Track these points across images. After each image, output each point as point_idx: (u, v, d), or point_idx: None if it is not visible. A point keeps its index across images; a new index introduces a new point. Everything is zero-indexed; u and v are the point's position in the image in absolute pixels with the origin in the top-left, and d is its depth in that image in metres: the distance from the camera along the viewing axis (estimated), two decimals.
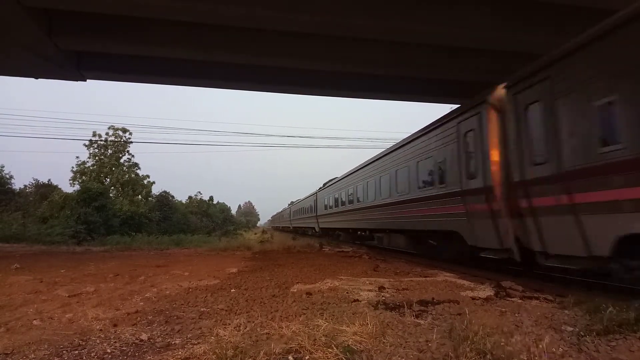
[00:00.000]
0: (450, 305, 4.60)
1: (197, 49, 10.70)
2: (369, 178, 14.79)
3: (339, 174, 22.26)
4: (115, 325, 3.81)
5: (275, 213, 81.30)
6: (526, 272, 7.39)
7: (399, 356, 2.88)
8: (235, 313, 4.28)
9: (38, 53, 10.46)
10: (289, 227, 45.89)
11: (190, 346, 3.16)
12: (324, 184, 25.88)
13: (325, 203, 24.03)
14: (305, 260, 10.03)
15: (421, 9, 8.90)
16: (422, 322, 3.82)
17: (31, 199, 25.43)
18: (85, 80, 13.00)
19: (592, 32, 5.21)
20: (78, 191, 23.56)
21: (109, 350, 3.12)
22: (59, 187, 26.74)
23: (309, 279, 6.69)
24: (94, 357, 3.00)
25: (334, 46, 10.89)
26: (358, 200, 16.26)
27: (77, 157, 29.47)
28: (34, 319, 4.09)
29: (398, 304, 4.54)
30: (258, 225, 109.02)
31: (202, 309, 4.51)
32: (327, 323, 3.50)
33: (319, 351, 2.87)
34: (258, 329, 3.51)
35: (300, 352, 2.91)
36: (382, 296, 5.14)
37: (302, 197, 37.36)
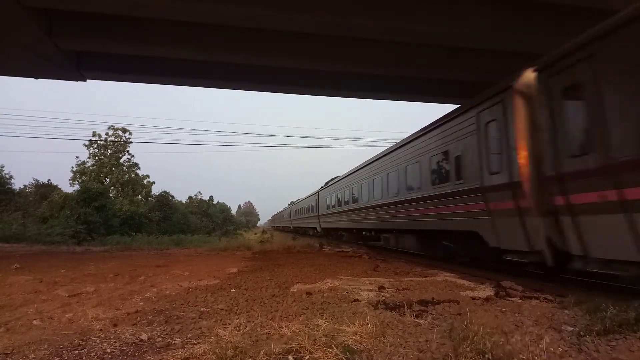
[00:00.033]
0: (450, 305, 4.60)
1: (197, 49, 10.71)
2: (375, 175, 14.12)
3: (340, 173, 22.07)
4: (115, 325, 3.81)
5: (275, 213, 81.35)
6: (526, 272, 7.28)
7: (399, 356, 2.89)
8: (235, 313, 4.28)
9: (38, 53, 10.46)
10: (290, 227, 45.63)
11: (190, 346, 3.16)
12: (326, 183, 25.23)
13: (328, 202, 23.26)
14: (305, 260, 10.03)
15: (421, 9, 8.90)
16: (422, 322, 3.83)
17: (31, 199, 25.43)
18: (85, 80, 13.02)
19: None
20: (78, 191, 23.57)
21: (109, 350, 3.12)
22: (58, 187, 26.78)
23: (309, 279, 6.69)
24: (94, 357, 3.00)
25: (334, 46, 10.90)
26: (363, 199, 15.62)
27: (77, 157, 29.51)
28: (34, 319, 4.09)
29: (398, 303, 4.54)
30: (258, 225, 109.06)
31: (202, 309, 4.51)
32: (327, 323, 3.50)
33: (319, 351, 2.87)
34: (258, 329, 3.51)
35: (300, 352, 2.91)
36: (382, 296, 5.14)
37: (302, 196, 37.01)
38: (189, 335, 3.48)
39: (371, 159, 15.00)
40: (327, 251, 14.25)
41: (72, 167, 28.99)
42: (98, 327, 3.77)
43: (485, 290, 5.70)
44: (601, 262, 5.02)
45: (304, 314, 4.11)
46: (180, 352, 3.00)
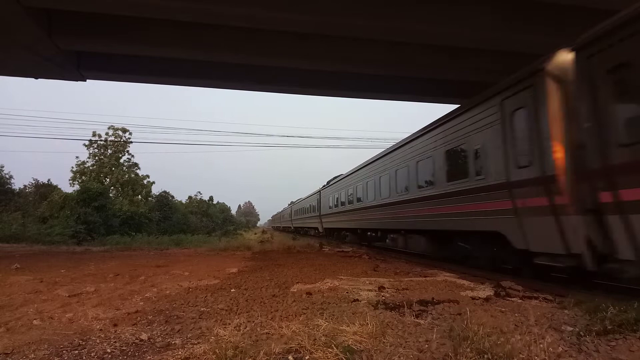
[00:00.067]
0: (450, 305, 4.60)
1: (197, 49, 10.71)
2: (382, 173, 13.39)
3: (340, 173, 21.74)
4: (115, 325, 3.82)
5: (275, 213, 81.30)
6: (526, 272, 7.08)
7: (398, 356, 2.89)
8: (235, 313, 4.28)
9: (38, 53, 10.46)
10: (290, 227, 45.24)
11: (190, 346, 3.16)
12: (328, 182, 24.40)
13: (330, 202, 22.38)
14: (305, 260, 10.03)
15: (421, 9, 8.90)
16: (422, 322, 3.83)
17: (31, 199, 25.42)
18: (85, 80, 13.02)
19: None
20: (78, 191, 23.59)
21: (109, 350, 3.12)
22: (58, 187, 26.79)
23: (309, 279, 6.69)
24: (94, 357, 3.00)
25: (334, 46, 10.90)
26: (368, 198, 14.89)
27: (77, 157, 29.56)
28: (34, 319, 4.09)
29: (398, 303, 4.54)
30: (258, 225, 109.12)
31: (202, 309, 4.51)
32: (327, 323, 3.50)
33: (319, 351, 2.87)
34: (258, 329, 3.51)
35: (300, 352, 2.91)
36: (382, 296, 5.14)
37: (303, 196, 36.45)
38: (189, 335, 3.48)
39: (378, 155, 14.21)
40: (327, 251, 14.25)
41: (72, 167, 29.05)
42: (98, 327, 3.77)
43: (485, 290, 5.71)
44: None
45: (304, 314, 4.11)
46: (180, 352, 3.00)
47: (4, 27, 9.18)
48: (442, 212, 9.04)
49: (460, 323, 3.42)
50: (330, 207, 22.61)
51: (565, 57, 5.59)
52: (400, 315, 4.00)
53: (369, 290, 5.59)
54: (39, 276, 7.10)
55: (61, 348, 3.17)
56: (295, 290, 5.60)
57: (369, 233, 16.56)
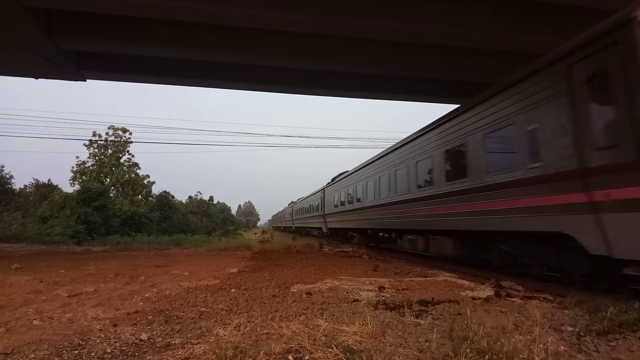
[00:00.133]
0: (450, 305, 4.60)
1: (197, 49, 10.72)
2: (399, 166, 11.73)
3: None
4: (115, 325, 3.81)
5: (275, 213, 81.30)
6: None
7: (399, 356, 2.88)
8: (235, 313, 4.28)
9: (38, 53, 10.46)
10: (291, 228, 44.25)
11: (190, 346, 3.16)
12: (333, 179, 22.63)
13: (336, 200, 20.66)
14: (305, 260, 10.03)
15: (421, 9, 8.91)
16: (422, 322, 3.82)
17: (31, 198, 25.43)
18: (85, 80, 13.02)
19: None
20: (78, 191, 23.59)
21: (109, 350, 3.12)
22: (59, 187, 26.80)
23: (309, 279, 6.69)
24: (94, 357, 3.00)
25: (334, 46, 10.91)
26: (381, 195, 13.25)
27: (77, 157, 29.59)
28: (34, 319, 4.09)
29: (398, 304, 4.54)
30: (258, 225, 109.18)
31: (202, 309, 4.51)
32: (327, 323, 3.50)
33: (319, 351, 2.87)
34: (258, 329, 3.51)
35: (300, 352, 2.91)
36: (382, 296, 5.14)
37: (305, 195, 35.07)
38: (189, 335, 3.48)
39: (393, 146, 12.65)
40: (327, 251, 14.24)
41: (72, 167, 29.07)
42: (98, 327, 3.77)
43: (486, 291, 5.71)
44: None
45: (304, 314, 4.11)
46: (180, 352, 3.00)
47: (4, 27, 9.18)
48: (479, 209, 7.57)
49: (461, 323, 3.42)
50: (335, 206, 20.98)
51: None
52: (401, 316, 4.00)
53: (369, 290, 5.59)
54: (39, 276, 7.10)
55: (61, 348, 3.17)
56: (295, 291, 5.60)
57: (380, 234, 15.16)
